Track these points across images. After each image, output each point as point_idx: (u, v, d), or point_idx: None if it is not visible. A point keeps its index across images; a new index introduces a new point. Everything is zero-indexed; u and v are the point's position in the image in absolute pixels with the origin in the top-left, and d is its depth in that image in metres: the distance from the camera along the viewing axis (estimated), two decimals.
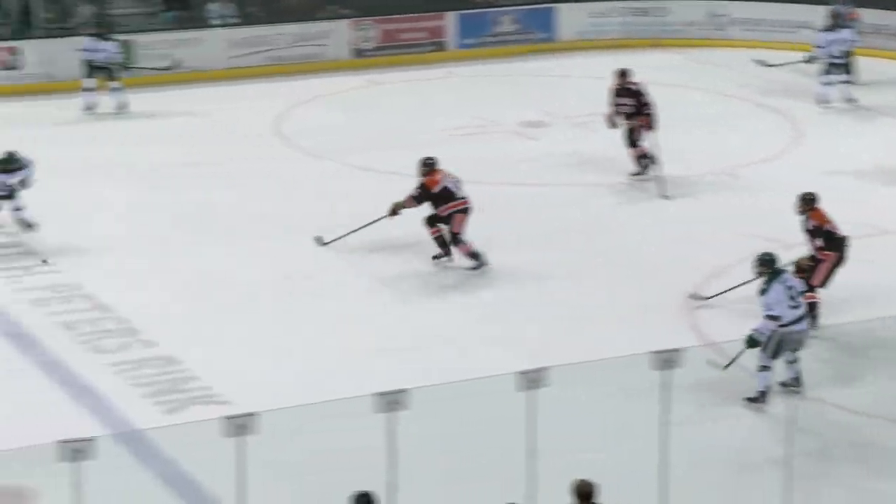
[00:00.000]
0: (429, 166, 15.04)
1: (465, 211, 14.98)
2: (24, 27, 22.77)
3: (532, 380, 9.10)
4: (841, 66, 21.43)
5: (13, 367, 12.44)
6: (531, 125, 19.93)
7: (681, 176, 17.79)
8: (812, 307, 12.81)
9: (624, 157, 17.99)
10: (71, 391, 11.93)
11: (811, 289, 12.98)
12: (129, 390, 11.96)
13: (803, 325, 11.95)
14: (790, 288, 11.88)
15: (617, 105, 17.92)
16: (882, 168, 18.44)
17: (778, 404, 11.59)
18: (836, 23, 21.85)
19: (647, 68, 23.85)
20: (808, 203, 13.50)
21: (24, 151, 15.84)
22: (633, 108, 17.84)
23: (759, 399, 11.83)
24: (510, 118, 20.60)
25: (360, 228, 15.18)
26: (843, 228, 13.47)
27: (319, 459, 10.50)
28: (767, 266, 12.07)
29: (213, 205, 16.82)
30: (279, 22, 24.02)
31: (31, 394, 11.91)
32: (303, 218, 16.13)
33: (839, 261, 13.40)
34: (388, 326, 13.50)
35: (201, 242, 15.61)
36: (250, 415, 8.34)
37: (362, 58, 24.26)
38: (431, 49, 24.83)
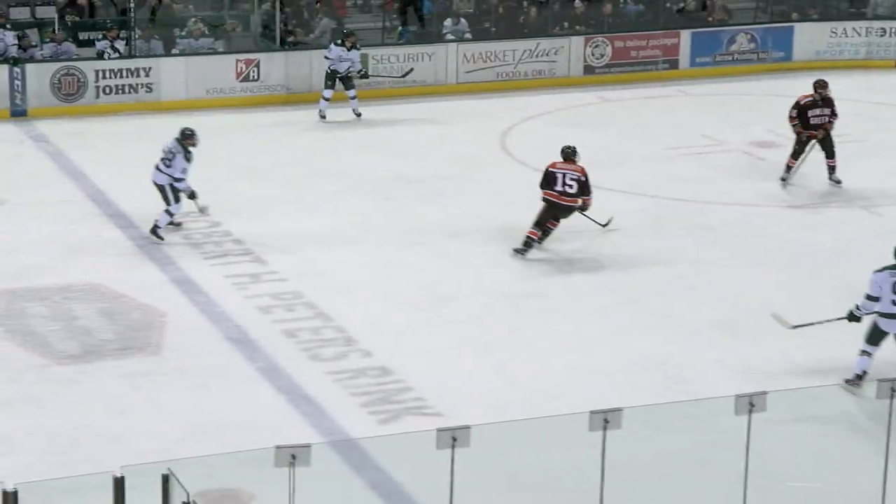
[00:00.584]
0: (561, 153, 15.69)
1: (548, 203, 15.42)
2: (266, 41, 23.37)
3: (749, 403, 8.91)
4: None
5: (239, 373, 12.70)
6: (761, 145, 19.57)
7: None
8: None
9: (850, 182, 18.02)
10: (290, 398, 12.12)
11: None
12: (346, 399, 12.09)
13: (890, 323, 12.20)
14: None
15: (818, 116, 18.04)
16: None
17: None
18: None
19: (887, 90, 23.38)
20: None
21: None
22: (827, 118, 18.01)
23: (853, 381, 12.14)
24: (740, 138, 20.31)
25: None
26: None
27: (531, 475, 10.43)
28: None
29: (437, 217, 16.94)
30: (512, 38, 24.14)
31: (254, 399, 12.14)
32: (517, 231, 16.20)
33: None
34: (606, 347, 13.38)
35: (421, 255, 15.74)
36: (463, 428, 8.35)
37: (593, 74, 24.21)
38: (664, 67, 24.63)
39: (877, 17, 25.77)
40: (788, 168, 18.30)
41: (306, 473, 8.11)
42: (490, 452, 9.48)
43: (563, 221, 15.62)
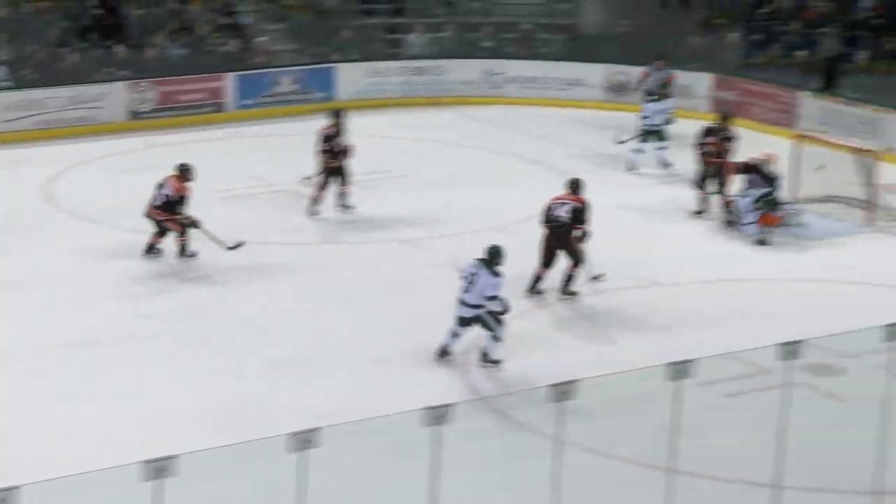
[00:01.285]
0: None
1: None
2: None
3: (304, 440, 9.01)
4: (655, 132, 21.72)
5: None
6: (308, 185, 19.89)
7: (458, 232, 17.98)
8: (534, 278, 15.81)
9: (394, 216, 18.66)
10: None
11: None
12: None
13: (462, 308, 13.68)
14: (472, 275, 13.69)
15: (338, 145, 18.78)
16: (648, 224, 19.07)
17: None
18: (665, 93, 22.29)
19: (425, 126, 24.34)
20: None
21: None
22: (340, 147, 18.79)
23: (439, 354, 13.81)
24: (287, 178, 20.54)
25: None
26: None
27: None
28: (486, 253, 13.86)
29: None
30: (53, 85, 23.63)
31: None
32: (77, 282, 15.88)
33: (549, 241, 15.77)
34: (175, 391, 13.26)
35: None
36: (9, 489, 8.09)
37: (139, 119, 24.01)
38: (210, 110, 24.73)
39: (413, 57, 26.78)
40: (315, 200, 18.80)
41: None
42: None
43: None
